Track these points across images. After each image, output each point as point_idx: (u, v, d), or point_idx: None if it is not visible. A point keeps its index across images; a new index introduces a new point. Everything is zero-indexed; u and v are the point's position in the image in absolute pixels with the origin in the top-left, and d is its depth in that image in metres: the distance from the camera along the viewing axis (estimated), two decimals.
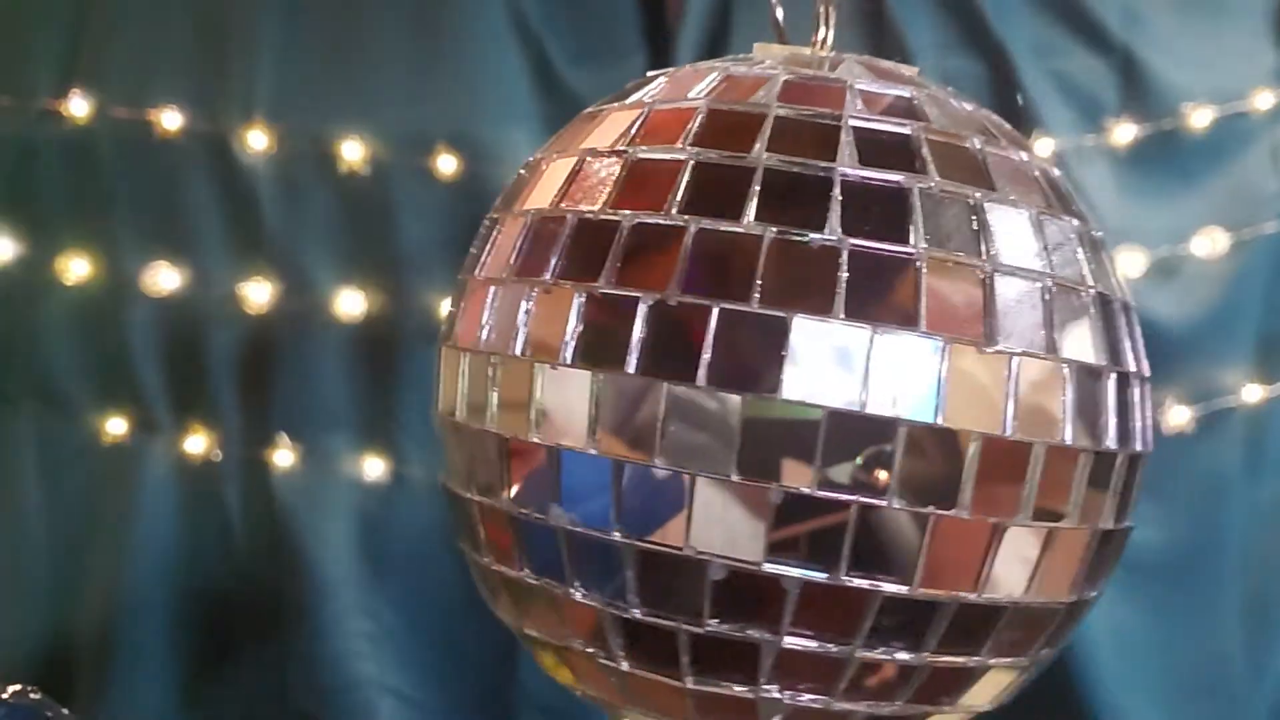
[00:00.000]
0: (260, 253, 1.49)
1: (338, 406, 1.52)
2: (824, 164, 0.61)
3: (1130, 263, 1.48)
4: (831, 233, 0.60)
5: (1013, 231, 0.63)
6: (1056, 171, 0.73)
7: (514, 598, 0.70)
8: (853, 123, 0.64)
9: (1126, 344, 0.68)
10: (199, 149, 1.49)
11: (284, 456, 1.51)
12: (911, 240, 0.60)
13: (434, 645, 1.54)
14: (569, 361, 0.62)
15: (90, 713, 1.50)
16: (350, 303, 1.49)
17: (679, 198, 0.62)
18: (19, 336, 1.53)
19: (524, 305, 0.65)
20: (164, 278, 1.49)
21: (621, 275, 0.61)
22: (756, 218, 0.60)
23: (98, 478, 1.54)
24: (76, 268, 1.49)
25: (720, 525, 0.59)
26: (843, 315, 0.58)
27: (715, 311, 0.58)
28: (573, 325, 0.62)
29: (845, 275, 0.59)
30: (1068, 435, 0.62)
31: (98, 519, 1.54)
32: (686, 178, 0.62)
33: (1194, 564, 1.53)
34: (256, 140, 1.47)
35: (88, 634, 1.54)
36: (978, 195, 0.63)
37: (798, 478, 0.58)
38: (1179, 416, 1.51)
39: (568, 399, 0.62)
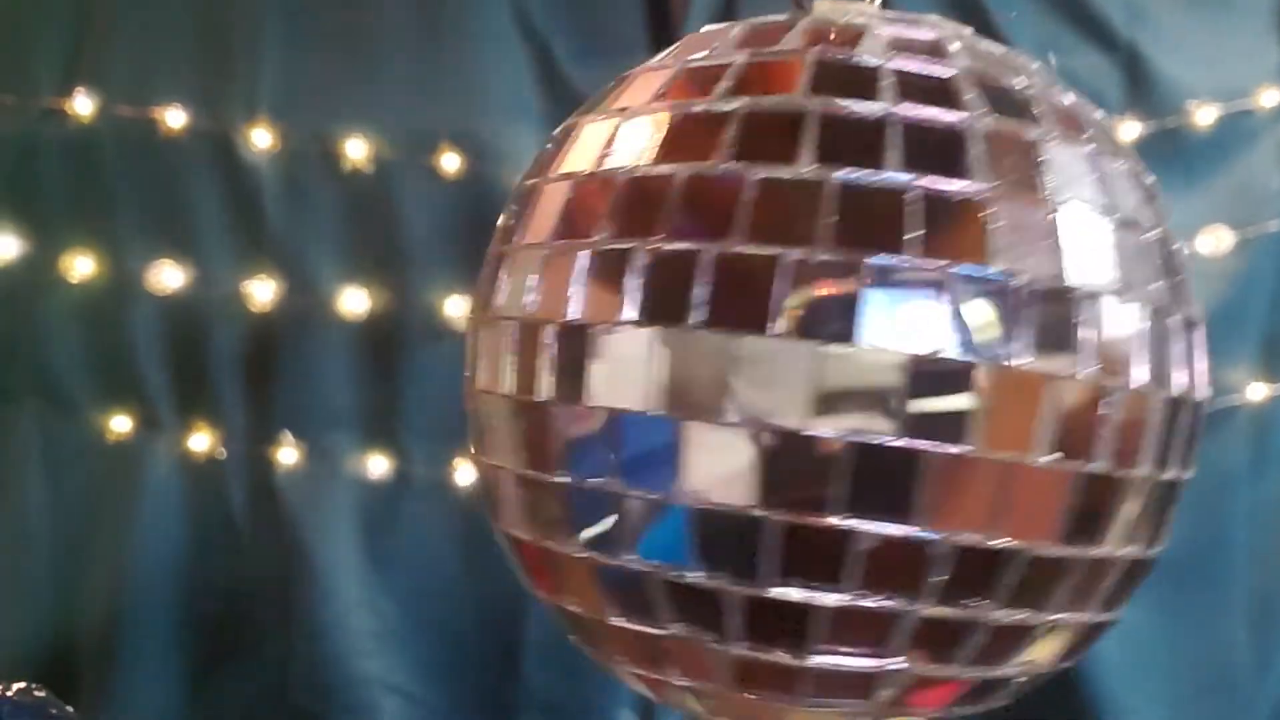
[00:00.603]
0: (264, 251, 1.50)
1: (341, 405, 1.52)
2: (876, 104, 0.60)
3: None
4: (892, 173, 0.58)
5: (1070, 168, 0.62)
6: (1100, 113, 0.73)
7: (555, 572, 0.68)
8: (895, 65, 0.62)
9: (1185, 289, 0.67)
10: (202, 147, 1.49)
11: (288, 454, 1.51)
12: (973, 177, 0.59)
13: (437, 643, 1.54)
14: (635, 319, 0.60)
15: (94, 710, 1.50)
16: (354, 301, 1.49)
17: (730, 148, 0.60)
18: (23, 334, 1.53)
19: (579, 265, 0.62)
20: (168, 276, 1.49)
21: (678, 231, 0.59)
22: (811, 162, 0.58)
23: (101, 476, 1.54)
24: (80, 266, 1.49)
25: (789, 477, 0.57)
26: (918, 253, 0.57)
27: (782, 258, 0.56)
28: (633, 284, 0.60)
29: (911, 216, 0.57)
30: (1142, 379, 0.61)
31: (101, 517, 1.54)
32: (735, 128, 0.61)
33: (1199, 562, 1.53)
34: (260, 138, 1.47)
35: (92, 631, 1.54)
36: (1034, 133, 0.62)
37: (872, 425, 0.56)
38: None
39: (629, 360, 0.60)
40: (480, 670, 1.55)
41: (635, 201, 0.62)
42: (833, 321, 0.56)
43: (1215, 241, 1.49)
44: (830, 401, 0.56)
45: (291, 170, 1.49)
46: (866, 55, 0.63)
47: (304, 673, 1.52)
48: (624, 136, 0.65)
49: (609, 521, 0.62)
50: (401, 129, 1.48)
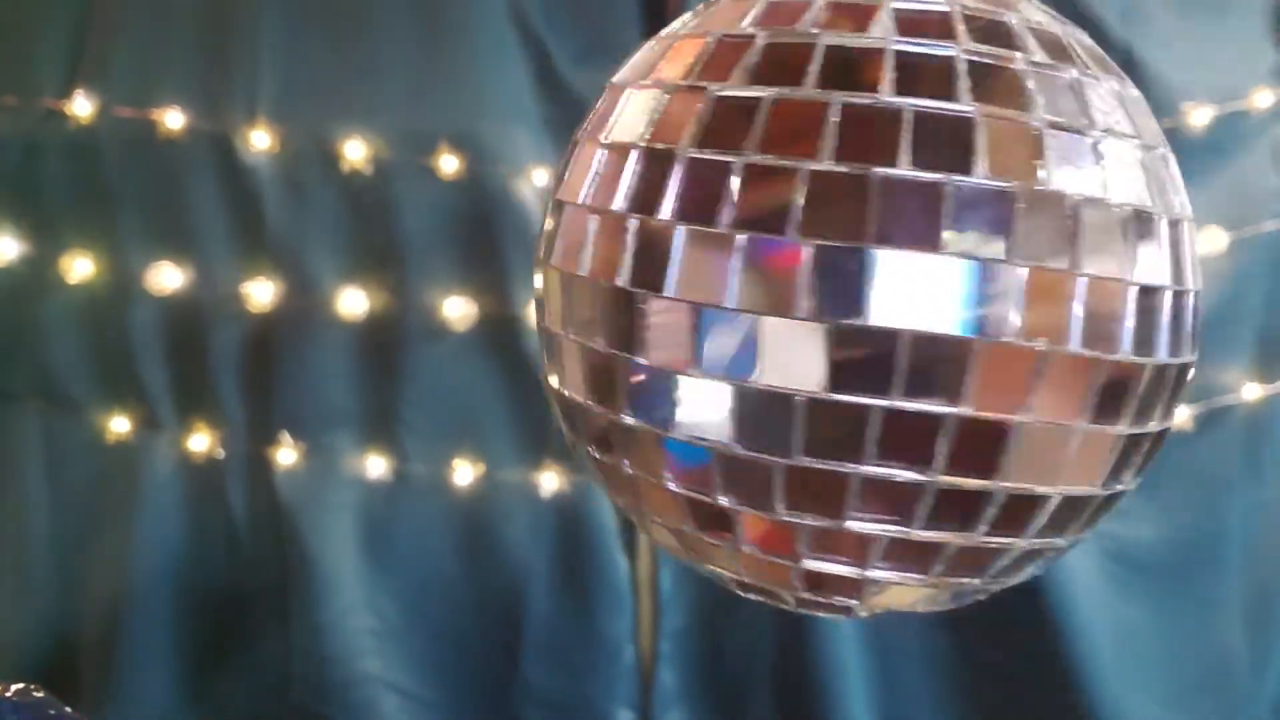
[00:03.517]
0: (263, 251, 1.50)
1: (340, 404, 1.52)
2: (946, 42, 0.64)
3: None
4: (965, 105, 0.63)
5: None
6: (1088, 39, 0.75)
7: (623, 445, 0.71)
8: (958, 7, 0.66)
9: (1187, 260, 0.70)
10: (202, 148, 1.49)
11: (287, 454, 1.52)
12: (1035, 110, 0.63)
13: (438, 642, 1.54)
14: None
15: (95, 709, 1.51)
16: (353, 301, 1.49)
17: (816, 77, 0.64)
18: (24, 335, 1.54)
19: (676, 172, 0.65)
20: (167, 276, 1.50)
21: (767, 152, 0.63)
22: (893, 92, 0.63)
23: (102, 475, 1.54)
24: (80, 266, 1.50)
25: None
26: (985, 172, 0.61)
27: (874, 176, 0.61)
28: (728, 194, 0.63)
29: (981, 140, 0.62)
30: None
31: (102, 516, 1.55)
32: (818, 62, 0.64)
33: (1195, 561, 1.54)
34: (260, 140, 1.48)
35: (92, 631, 1.54)
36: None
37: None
38: (1179, 414, 1.51)
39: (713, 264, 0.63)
40: (480, 669, 1.55)
41: (722, 123, 0.65)
42: (913, 234, 0.61)
43: (1210, 242, 1.50)
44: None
45: (291, 171, 1.49)
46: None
47: (304, 671, 1.52)
48: (678, 101, 0.68)
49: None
50: (400, 130, 1.48)
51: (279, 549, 1.52)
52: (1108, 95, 0.69)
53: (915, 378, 0.61)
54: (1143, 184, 0.68)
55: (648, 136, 0.68)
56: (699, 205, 0.64)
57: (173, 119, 1.48)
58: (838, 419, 0.62)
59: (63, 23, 1.52)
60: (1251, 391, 1.53)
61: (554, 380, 0.74)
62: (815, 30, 0.66)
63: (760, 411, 0.63)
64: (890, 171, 0.61)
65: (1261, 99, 1.50)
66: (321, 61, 1.49)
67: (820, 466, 0.63)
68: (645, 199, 0.66)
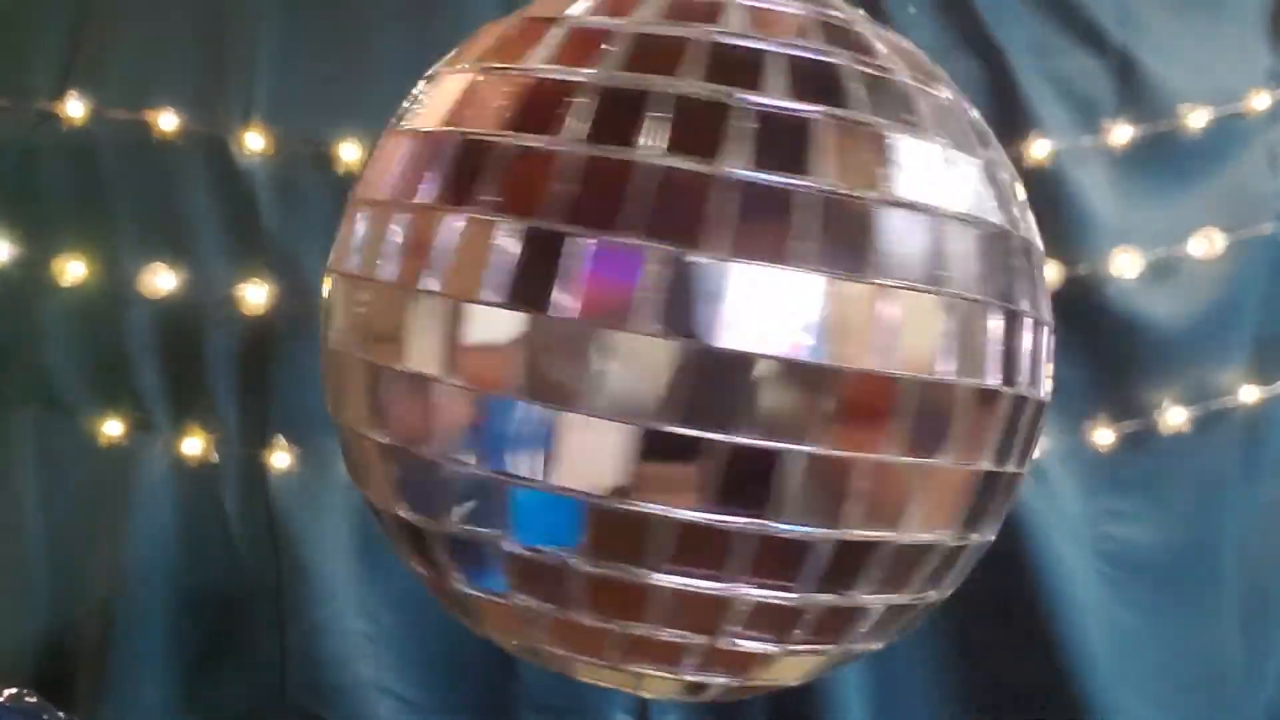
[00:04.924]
0: (258, 254, 1.49)
1: None
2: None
3: (1127, 264, 1.48)
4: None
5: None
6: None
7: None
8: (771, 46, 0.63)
9: (1023, 285, 0.67)
10: (197, 150, 1.49)
11: (282, 458, 1.51)
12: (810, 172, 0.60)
13: (432, 646, 1.54)
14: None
15: (89, 714, 1.50)
16: None
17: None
18: (17, 338, 1.53)
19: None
20: (162, 279, 1.49)
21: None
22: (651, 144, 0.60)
23: (96, 479, 1.54)
24: (74, 269, 1.49)
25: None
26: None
27: None
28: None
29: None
30: (944, 368, 0.61)
31: (96, 520, 1.54)
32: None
33: (1191, 564, 1.54)
34: (254, 142, 1.47)
35: (86, 635, 1.54)
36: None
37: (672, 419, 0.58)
38: (1176, 417, 1.51)
39: None
40: (475, 673, 1.54)
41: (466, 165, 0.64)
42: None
43: (1207, 244, 1.50)
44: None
45: (285, 173, 1.49)
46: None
47: (298, 676, 1.52)
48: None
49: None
50: None
51: (273, 552, 1.52)
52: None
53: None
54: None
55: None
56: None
57: (167, 121, 1.48)
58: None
59: (57, 24, 1.51)
60: (1249, 394, 1.52)
61: None
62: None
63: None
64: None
65: (1258, 101, 1.50)
66: (316, 63, 1.49)
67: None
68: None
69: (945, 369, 0.61)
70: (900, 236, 0.61)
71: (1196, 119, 1.49)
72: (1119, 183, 1.51)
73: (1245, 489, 1.54)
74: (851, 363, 0.59)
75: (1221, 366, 1.53)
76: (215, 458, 1.52)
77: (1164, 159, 1.51)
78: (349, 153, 1.47)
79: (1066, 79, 1.51)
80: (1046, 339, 0.70)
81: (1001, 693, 1.54)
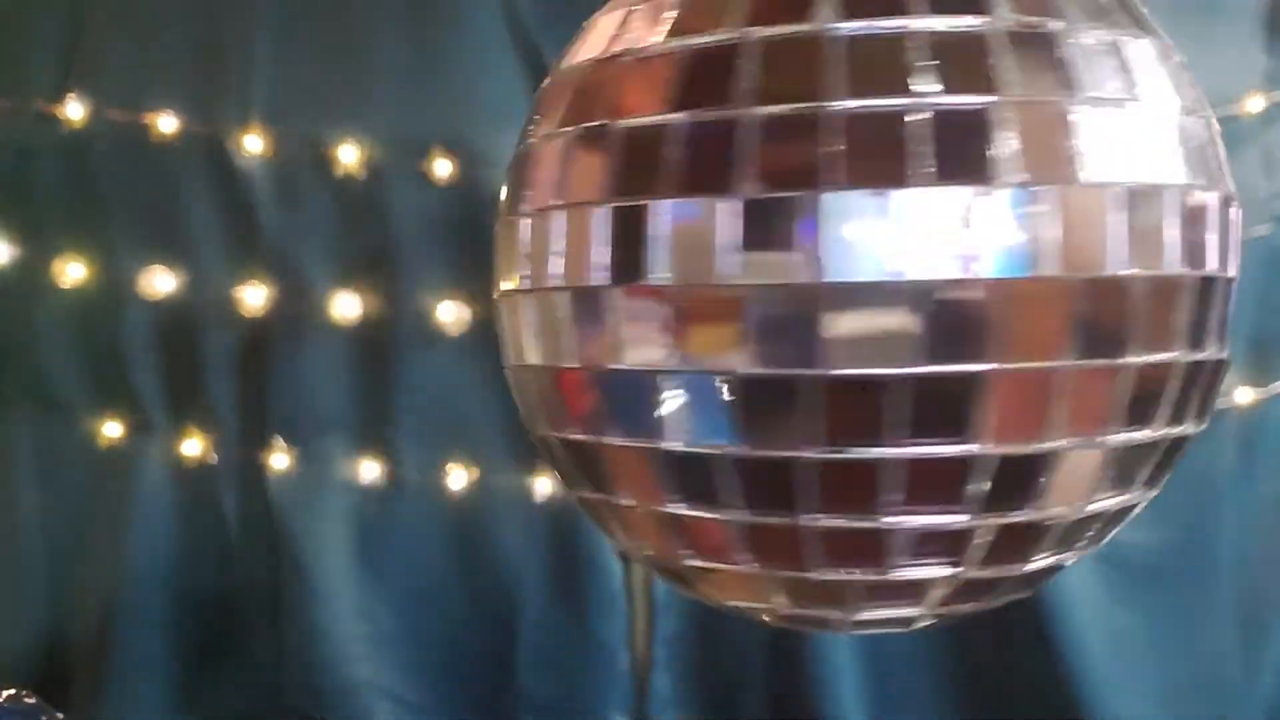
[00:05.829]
0: (256, 256, 1.50)
1: (334, 409, 1.52)
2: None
3: None
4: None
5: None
6: None
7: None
8: None
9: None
10: (195, 152, 1.49)
11: (280, 459, 1.52)
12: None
13: (431, 647, 1.54)
14: None
15: (87, 715, 1.50)
16: (346, 305, 1.49)
17: None
18: (15, 339, 1.53)
19: None
20: (160, 280, 1.49)
21: None
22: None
23: (94, 480, 1.54)
24: (73, 270, 1.49)
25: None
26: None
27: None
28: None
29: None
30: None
31: (94, 521, 1.54)
32: None
33: (1188, 565, 1.54)
34: (253, 143, 1.48)
35: (84, 636, 1.54)
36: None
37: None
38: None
39: None
40: (473, 674, 1.55)
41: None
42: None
43: None
44: None
45: (284, 175, 1.49)
46: None
47: (297, 677, 1.52)
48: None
49: None
50: (393, 135, 1.48)
51: (272, 554, 1.52)
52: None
53: None
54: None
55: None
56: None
57: (166, 122, 1.48)
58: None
59: (55, 25, 1.52)
60: (1244, 395, 1.53)
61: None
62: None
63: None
64: None
65: (1253, 104, 1.51)
66: (315, 65, 1.49)
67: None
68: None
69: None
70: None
71: None
72: None
73: (1241, 490, 1.54)
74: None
75: None
76: (214, 459, 1.53)
77: None
78: (347, 154, 1.47)
79: None
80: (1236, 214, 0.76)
81: (999, 692, 1.54)
